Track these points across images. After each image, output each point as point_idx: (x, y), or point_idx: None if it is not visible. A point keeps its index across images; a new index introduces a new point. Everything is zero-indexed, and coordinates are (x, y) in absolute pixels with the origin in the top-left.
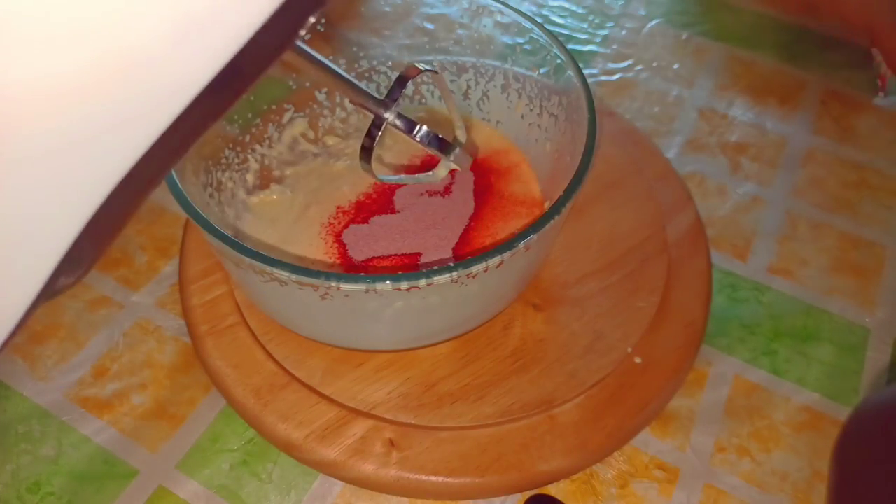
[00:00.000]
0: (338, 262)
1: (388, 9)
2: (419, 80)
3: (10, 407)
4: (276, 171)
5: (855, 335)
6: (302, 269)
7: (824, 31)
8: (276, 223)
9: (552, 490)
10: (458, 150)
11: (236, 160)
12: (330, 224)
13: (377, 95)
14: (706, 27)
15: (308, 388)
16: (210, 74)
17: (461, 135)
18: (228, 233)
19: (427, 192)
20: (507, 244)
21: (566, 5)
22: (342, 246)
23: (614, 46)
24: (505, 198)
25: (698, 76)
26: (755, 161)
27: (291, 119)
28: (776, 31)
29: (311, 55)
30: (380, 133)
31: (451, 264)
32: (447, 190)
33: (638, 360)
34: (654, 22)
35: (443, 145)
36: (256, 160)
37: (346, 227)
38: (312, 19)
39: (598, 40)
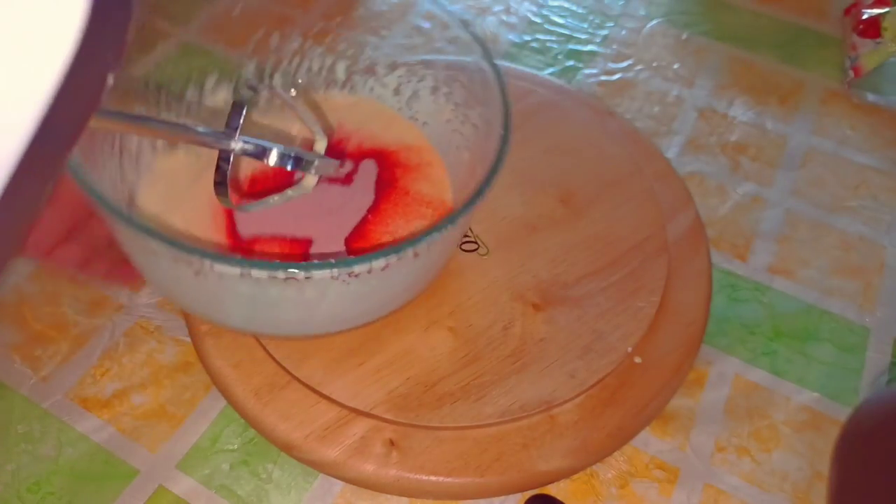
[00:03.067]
0: (223, 238)
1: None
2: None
3: (10, 407)
4: None
5: (855, 335)
6: (177, 242)
7: (824, 30)
8: (172, 188)
9: (552, 490)
10: (316, 161)
11: None
12: None
13: (210, 131)
14: (706, 27)
15: (308, 387)
16: None
17: (321, 145)
18: (123, 194)
19: (327, 177)
20: (395, 248)
21: (566, 5)
22: (231, 221)
23: (614, 46)
24: (409, 195)
25: (698, 76)
26: (755, 161)
27: (215, 86)
28: (776, 31)
29: (123, 116)
30: (229, 166)
31: (332, 261)
32: (348, 178)
33: (638, 360)
34: (654, 22)
35: (298, 162)
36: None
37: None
38: (111, 81)
39: (598, 40)
